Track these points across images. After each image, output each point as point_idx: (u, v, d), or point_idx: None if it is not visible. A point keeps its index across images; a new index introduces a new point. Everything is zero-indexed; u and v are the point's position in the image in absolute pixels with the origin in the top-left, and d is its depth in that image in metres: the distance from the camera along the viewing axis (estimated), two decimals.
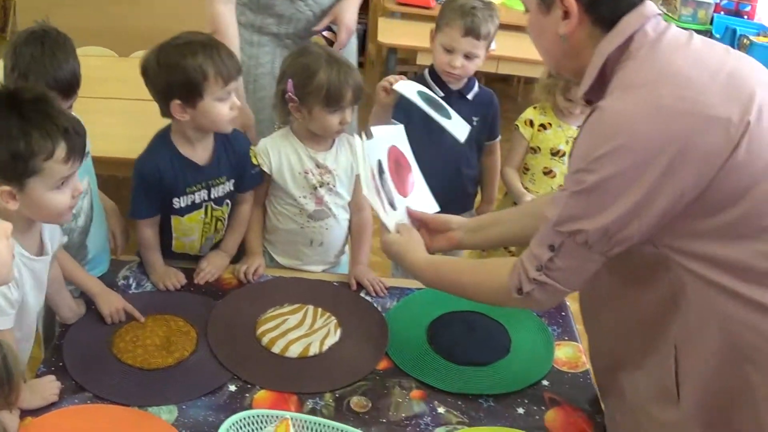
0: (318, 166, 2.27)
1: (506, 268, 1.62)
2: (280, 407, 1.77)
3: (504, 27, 2.89)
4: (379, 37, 4.75)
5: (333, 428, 1.64)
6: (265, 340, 1.96)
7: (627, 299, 1.57)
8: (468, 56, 2.56)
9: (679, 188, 1.36)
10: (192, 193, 2.15)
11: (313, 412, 1.77)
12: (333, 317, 2.07)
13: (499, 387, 1.88)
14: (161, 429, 1.70)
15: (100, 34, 3.96)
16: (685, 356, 1.48)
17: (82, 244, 2.13)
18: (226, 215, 2.27)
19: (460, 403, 1.83)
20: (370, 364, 1.92)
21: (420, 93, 2.37)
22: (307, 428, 1.63)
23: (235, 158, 2.21)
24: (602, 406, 1.81)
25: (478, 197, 2.93)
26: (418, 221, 2.03)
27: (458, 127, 2.39)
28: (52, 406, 1.73)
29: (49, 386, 1.75)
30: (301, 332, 1.99)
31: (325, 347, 1.96)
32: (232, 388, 1.83)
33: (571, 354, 2.02)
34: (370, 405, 1.81)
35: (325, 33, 2.84)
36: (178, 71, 1.98)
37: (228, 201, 2.24)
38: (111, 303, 2.00)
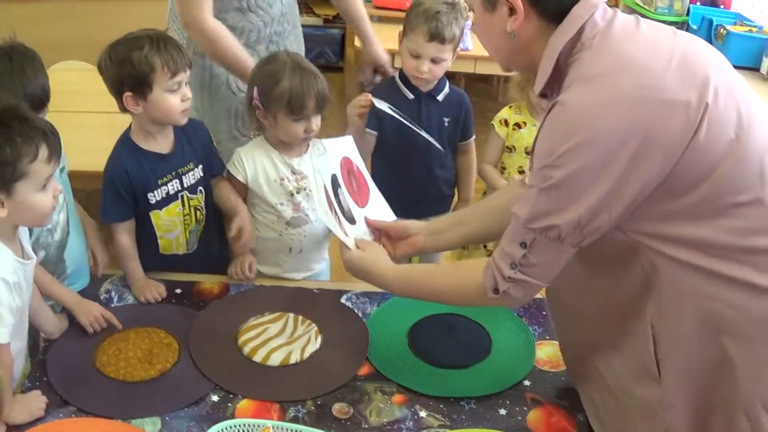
0: (293, 172, 2.28)
1: (479, 269, 1.62)
2: (263, 416, 1.77)
3: None
4: (356, 41, 4.75)
5: None
6: (246, 349, 1.97)
7: (598, 285, 1.59)
8: (434, 60, 2.57)
9: (646, 175, 1.38)
10: (164, 184, 2.20)
11: (295, 419, 1.78)
12: (314, 324, 2.07)
13: (480, 389, 1.89)
14: None
15: (78, 48, 3.98)
16: (663, 335, 1.50)
17: (60, 258, 2.14)
18: (203, 203, 2.30)
19: (441, 406, 1.84)
20: (351, 370, 1.93)
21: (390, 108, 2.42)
22: None
23: (197, 143, 2.27)
24: (579, 392, 1.81)
25: (455, 199, 2.94)
26: (378, 230, 2.04)
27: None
28: (37, 420, 1.73)
29: (36, 401, 1.76)
30: (282, 340, 2.00)
31: (307, 354, 1.97)
32: (215, 398, 1.84)
33: (552, 353, 2.02)
34: (352, 411, 1.81)
35: (377, 79, 2.92)
36: (126, 64, 2.05)
37: (201, 188, 2.28)
38: (89, 312, 2.02)
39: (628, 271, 1.51)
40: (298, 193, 2.29)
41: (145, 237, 2.24)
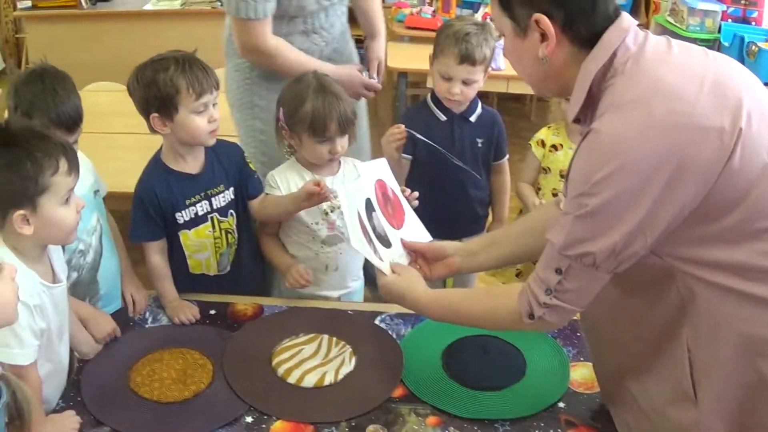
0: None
1: (514, 295, 1.62)
2: None
3: None
4: (389, 62, 4.76)
5: None
6: (280, 370, 1.97)
7: (633, 310, 1.58)
8: (466, 82, 2.57)
9: (680, 201, 1.38)
10: (192, 204, 2.21)
11: None
12: (348, 346, 2.07)
13: (515, 411, 1.87)
14: None
15: (110, 69, 4.02)
16: (700, 357, 1.49)
17: (93, 280, 2.16)
18: (234, 227, 2.30)
19: (476, 428, 1.83)
20: (385, 392, 1.92)
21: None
22: None
23: (229, 165, 2.27)
24: (612, 414, 1.79)
25: (489, 219, 2.93)
26: (415, 251, 2.03)
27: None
28: None
29: (69, 421, 1.77)
30: (316, 362, 2.00)
31: (341, 376, 1.96)
32: (249, 419, 1.83)
33: (586, 375, 2.00)
34: None
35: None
36: (152, 86, 2.07)
37: (232, 211, 2.28)
38: (102, 329, 2.05)
39: (664, 295, 1.50)
40: (332, 211, 2.29)
41: (175, 256, 2.26)
